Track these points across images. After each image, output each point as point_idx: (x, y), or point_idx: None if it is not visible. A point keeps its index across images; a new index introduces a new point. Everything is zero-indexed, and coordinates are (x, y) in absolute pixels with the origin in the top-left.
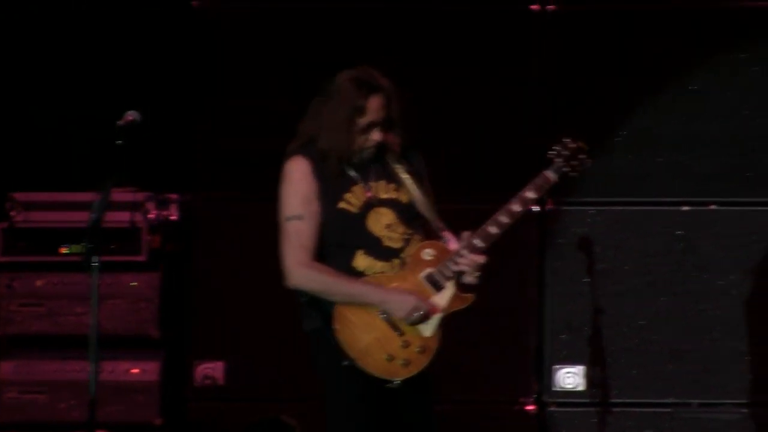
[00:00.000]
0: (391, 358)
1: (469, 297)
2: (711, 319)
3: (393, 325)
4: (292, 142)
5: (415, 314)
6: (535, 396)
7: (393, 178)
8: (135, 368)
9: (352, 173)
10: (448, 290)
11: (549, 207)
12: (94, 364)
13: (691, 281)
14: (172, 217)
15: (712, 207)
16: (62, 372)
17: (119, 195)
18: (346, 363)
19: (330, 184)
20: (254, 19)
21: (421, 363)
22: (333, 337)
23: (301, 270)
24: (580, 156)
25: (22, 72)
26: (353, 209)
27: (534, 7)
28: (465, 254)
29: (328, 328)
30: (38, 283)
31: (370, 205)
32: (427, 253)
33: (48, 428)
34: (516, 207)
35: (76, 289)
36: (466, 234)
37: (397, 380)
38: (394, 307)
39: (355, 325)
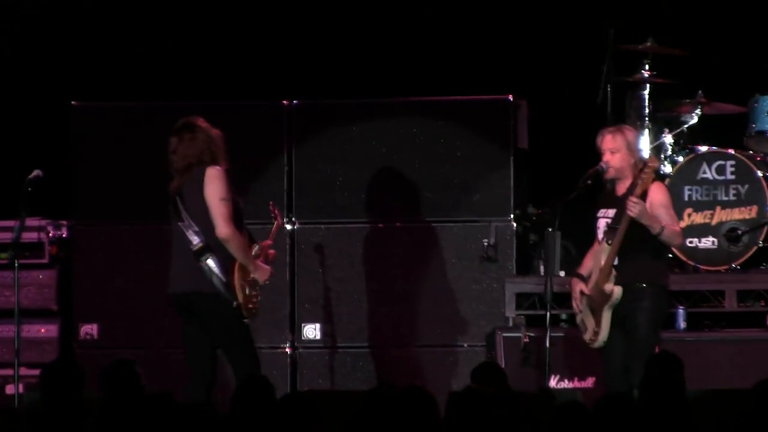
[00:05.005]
0: (245, 306)
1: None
2: (399, 294)
3: (253, 286)
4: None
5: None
6: (290, 343)
7: None
8: (43, 329)
9: None
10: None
11: (297, 225)
12: (17, 327)
13: (389, 269)
14: (64, 236)
15: (398, 224)
16: None
17: (30, 221)
18: (235, 303)
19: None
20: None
21: (253, 314)
22: (232, 287)
23: (234, 232)
24: None
25: None
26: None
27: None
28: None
29: (229, 280)
30: None
31: None
32: (255, 250)
33: None
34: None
35: (5, 280)
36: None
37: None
38: (260, 274)
39: (237, 282)
